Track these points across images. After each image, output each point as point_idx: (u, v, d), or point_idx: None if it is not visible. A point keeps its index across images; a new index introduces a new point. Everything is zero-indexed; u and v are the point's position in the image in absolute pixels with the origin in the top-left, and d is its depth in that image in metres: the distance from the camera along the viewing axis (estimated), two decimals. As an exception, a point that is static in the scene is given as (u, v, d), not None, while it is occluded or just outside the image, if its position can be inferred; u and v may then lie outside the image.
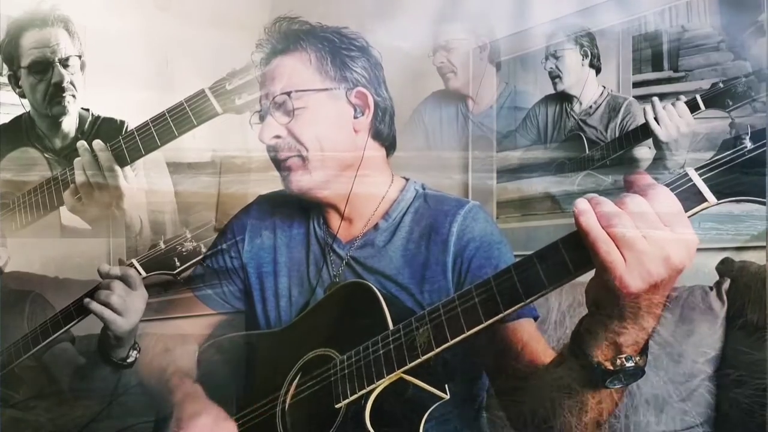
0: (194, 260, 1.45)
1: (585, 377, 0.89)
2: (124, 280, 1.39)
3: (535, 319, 1.20)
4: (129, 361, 1.47)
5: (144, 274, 1.44)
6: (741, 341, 1.53)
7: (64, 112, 2.12)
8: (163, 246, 1.46)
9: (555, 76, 2.08)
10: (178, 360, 1.38)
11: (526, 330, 1.15)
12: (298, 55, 1.29)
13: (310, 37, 1.29)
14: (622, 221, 0.77)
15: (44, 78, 2.08)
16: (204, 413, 1.17)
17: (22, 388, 1.89)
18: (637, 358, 0.86)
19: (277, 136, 1.27)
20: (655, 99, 1.83)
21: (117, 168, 1.70)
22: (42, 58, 2.07)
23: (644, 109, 1.85)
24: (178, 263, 1.44)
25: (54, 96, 2.09)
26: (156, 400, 1.34)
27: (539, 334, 1.17)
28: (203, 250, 1.45)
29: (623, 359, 0.86)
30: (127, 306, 1.38)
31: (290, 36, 1.30)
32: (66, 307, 1.47)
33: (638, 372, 0.87)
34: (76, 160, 1.72)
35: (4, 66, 2.10)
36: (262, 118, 1.30)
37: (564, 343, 0.95)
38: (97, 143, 1.71)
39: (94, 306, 1.38)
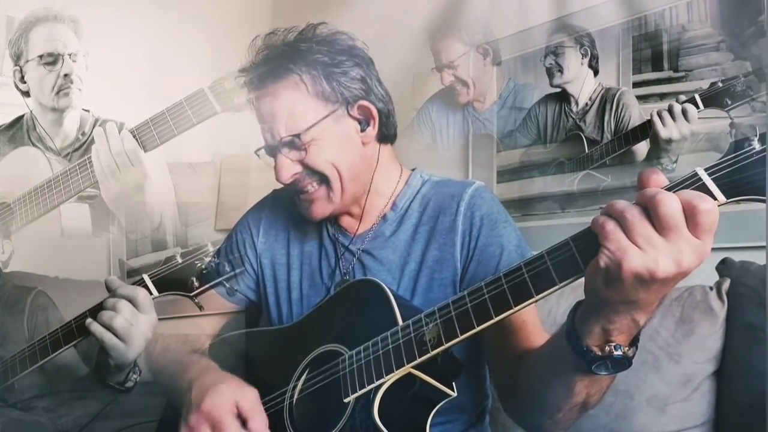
0: (214, 282, 1.26)
1: (573, 360, 0.90)
2: (132, 301, 1.23)
3: None
4: (127, 385, 1.33)
5: (156, 293, 1.27)
6: (741, 341, 1.52)
7: (70, 104, 2.14)
8: (179, 260, 1.27)
9: (554, 71, 2.09)
10: (192, 342, 1.36)
11: (526, 309, 1.16)
12: (292, 84, 1.24)
13: (299, 61, 1.24)
14: (641, 218, 0.78)
15: (54, 69, 2.10)
16: (225, 381, 1.14)
17: (21, 395, 1.88)
18: (626, 348, 0.88)
19: (295, 174, 1.25)
20: (662, 111, 1.84)
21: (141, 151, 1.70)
22: (53, 49, 2.09)
23: (651, 114, 1.86)
24: (196, 284, 1.26)
25: (63, 87, 2.10)
26: (167, 383, 1.29)
27: (537, 316, 1.19)
28: (226, 269, 1.26)
29: (612, 347, 0.87)
30: (133, 332, 1.22)
31: (280, 64, 1.25)
32: (67, 323, 1.34)
33: (625, 362, 0.88)
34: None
35: (11, 62, 2.11)
36: (270, 154, 1.27)
37: (560, 325, 0.96)
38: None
39: (95, 327, 1.23)
